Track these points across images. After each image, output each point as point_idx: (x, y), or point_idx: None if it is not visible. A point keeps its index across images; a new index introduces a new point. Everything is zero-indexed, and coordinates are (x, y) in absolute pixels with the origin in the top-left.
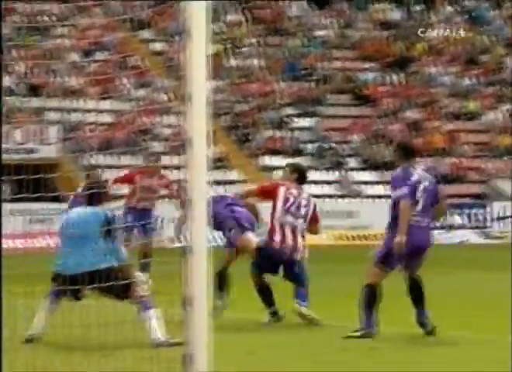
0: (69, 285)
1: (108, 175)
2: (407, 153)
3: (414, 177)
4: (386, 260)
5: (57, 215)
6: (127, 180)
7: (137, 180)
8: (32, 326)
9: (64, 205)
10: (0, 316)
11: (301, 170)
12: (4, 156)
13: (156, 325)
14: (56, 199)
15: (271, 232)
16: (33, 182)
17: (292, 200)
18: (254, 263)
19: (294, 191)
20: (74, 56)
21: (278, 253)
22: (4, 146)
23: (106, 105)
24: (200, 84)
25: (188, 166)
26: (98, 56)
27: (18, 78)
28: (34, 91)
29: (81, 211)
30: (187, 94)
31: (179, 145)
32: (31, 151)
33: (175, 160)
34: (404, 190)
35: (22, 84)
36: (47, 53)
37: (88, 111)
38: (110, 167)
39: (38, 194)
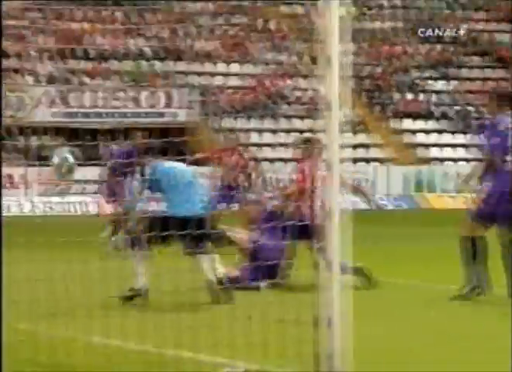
0: (180, 228)
1: (242, 139)
2: (503, 101)
3: (508, 125)
4: (483, 214)
5: None
6: (208, 159)
7: (219, 159)
8: (137, 283)
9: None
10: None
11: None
12: (136, 119)
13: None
14: (193, 163)
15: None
16: (163, 145)
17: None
18: None
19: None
20: (208, 20)
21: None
22: (135, 110)
23: (239, 68)
24: (337, 48)
25: (327, 129)
26: (233, 19)
27: (151, 42)
28: (167, 54)
29: (176, 164)
30: (325, 58)
31: (314, 108)
32: (162, 115)
33: (309, 124)
34: (496, 140)
35: (156, 48)
36: (181, 16)
37: (222, 74)
38: (241, 130)
39: (166, 158)
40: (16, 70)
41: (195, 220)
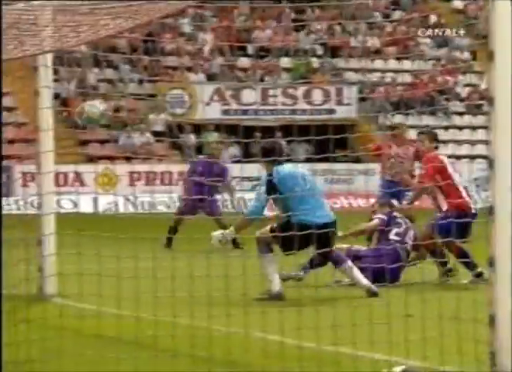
0: (317, 235)
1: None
2: None
3: None
4: None
5: (357, 176)
6: (375, 150)
7: (385, 150)
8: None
9: (363, 166)
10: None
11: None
12: (305, 116)
13: (358, 274)
14: (355, 159)
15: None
16: (334, 142)
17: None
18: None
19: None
20: (374, 16)
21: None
22: (304, 106)
23: (405, 64)
24: (504, 42)
25: (492, 125)
26: (397, 15)
27: (317, 39)
28: (333, 51)
29: (301, 169)
30: (490, 53)
31: (480, 104)
32: (331, 111)
33: (477, 120)
34: None
35: (322, 45)
36: (346, 13)
37: (386, 71)
38: (408, 126)
39: (339, 154)
40: (190, 68)
41: (323, 227)
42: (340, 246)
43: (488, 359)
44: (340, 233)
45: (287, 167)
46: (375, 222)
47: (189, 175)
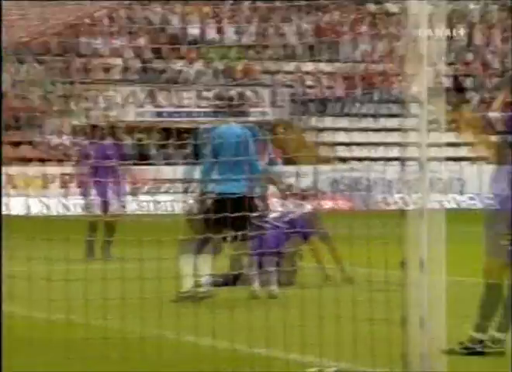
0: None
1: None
2: None
3: None
4: None
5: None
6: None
7: None
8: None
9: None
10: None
11: None
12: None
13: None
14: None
15: None
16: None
17: None
18: None
19: None
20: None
21: None
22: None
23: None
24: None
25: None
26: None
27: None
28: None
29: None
30: (417, 55)
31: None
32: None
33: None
34: None
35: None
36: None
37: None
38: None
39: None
40: (126, 69)
41: (232, 200)
42: None
43: (411, 362)
44: None
45: (222, 128)
46: None
47: None
